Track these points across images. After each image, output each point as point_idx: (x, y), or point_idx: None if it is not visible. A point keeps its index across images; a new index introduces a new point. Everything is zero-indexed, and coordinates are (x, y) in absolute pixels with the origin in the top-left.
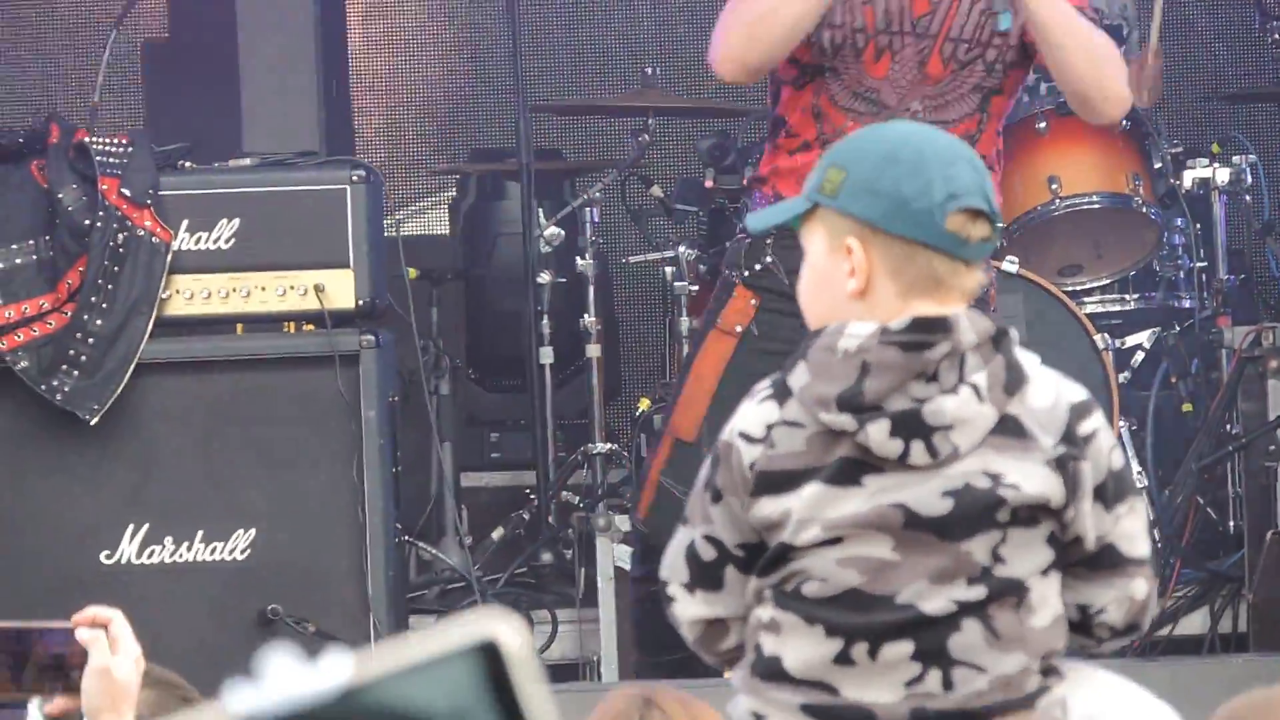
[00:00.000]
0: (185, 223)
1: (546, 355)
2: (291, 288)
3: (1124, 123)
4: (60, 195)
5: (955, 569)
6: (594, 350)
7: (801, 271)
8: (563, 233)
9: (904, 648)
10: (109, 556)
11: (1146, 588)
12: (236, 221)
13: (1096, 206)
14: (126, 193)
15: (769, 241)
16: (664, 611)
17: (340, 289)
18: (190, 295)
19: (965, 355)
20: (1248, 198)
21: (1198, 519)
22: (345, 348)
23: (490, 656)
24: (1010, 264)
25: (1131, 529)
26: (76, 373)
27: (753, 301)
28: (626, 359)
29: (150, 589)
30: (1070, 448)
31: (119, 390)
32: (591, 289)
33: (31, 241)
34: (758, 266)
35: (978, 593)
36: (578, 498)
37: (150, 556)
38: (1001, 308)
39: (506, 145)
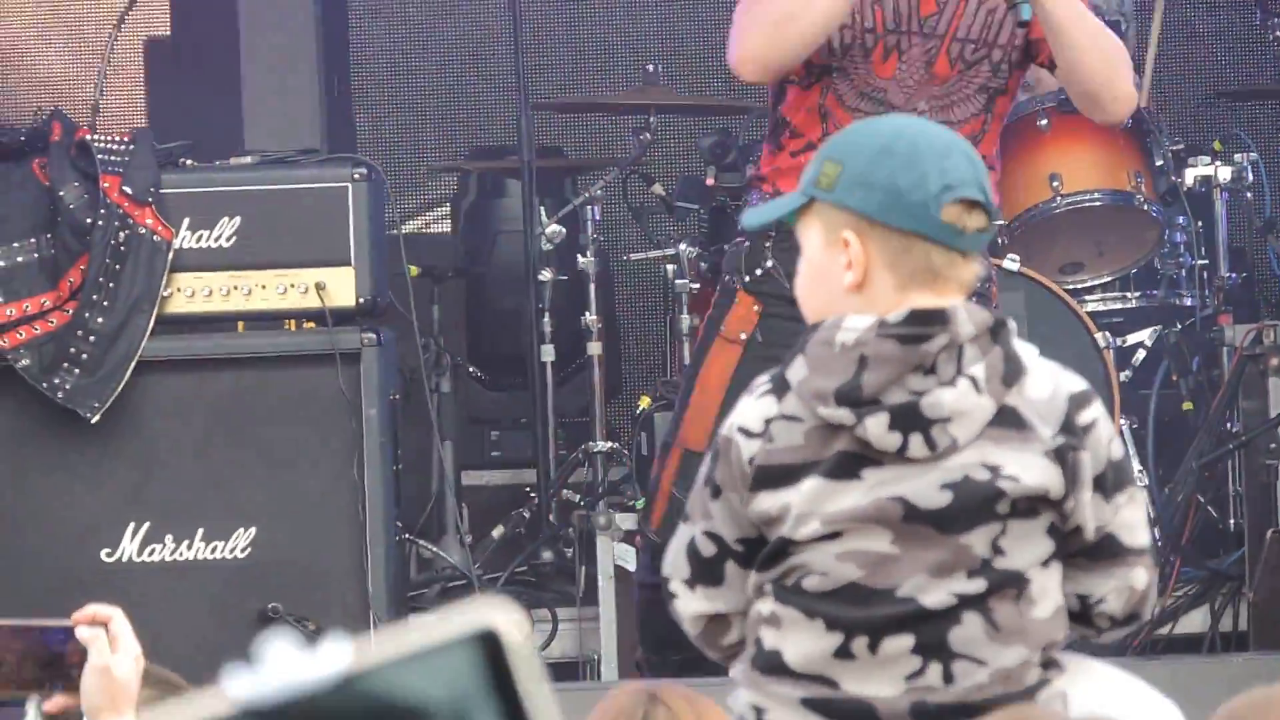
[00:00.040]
0: (186, 221)
1: (547, 353)
2: (292, 285)
3: (1126, 120)
4: (62, 193)
5: (955, 562)
6: (595, 348)
7: (798, 265)
8: (564, 230)
9: (904, 641)
10: (109, 555)
11: (1147, 577)
12: (238, 219)
13: (1098, 204)
14: (128, 190)
15: (768, 245)
16: (670, 615)
17: (341, 287)
18: (191, 293)
19: (963, 347)
20: (1249, 195)
21: (1198, 517)
22: (346, 346)
23: (489, 646)
24: (1011, 262)
25: (1131, 519)
26: (78, 371)
27: (755, 308)
28: (628, 357)
29: (150, 587)
30: (1069, 438)
31: (120, 388)
32: (592, 287)
33: (33, 239)
34: (759, 271)
35: (977, 585)
36: (578, 496)
37: (151, 555)
38: (1003, 305)
39: (508, 143)
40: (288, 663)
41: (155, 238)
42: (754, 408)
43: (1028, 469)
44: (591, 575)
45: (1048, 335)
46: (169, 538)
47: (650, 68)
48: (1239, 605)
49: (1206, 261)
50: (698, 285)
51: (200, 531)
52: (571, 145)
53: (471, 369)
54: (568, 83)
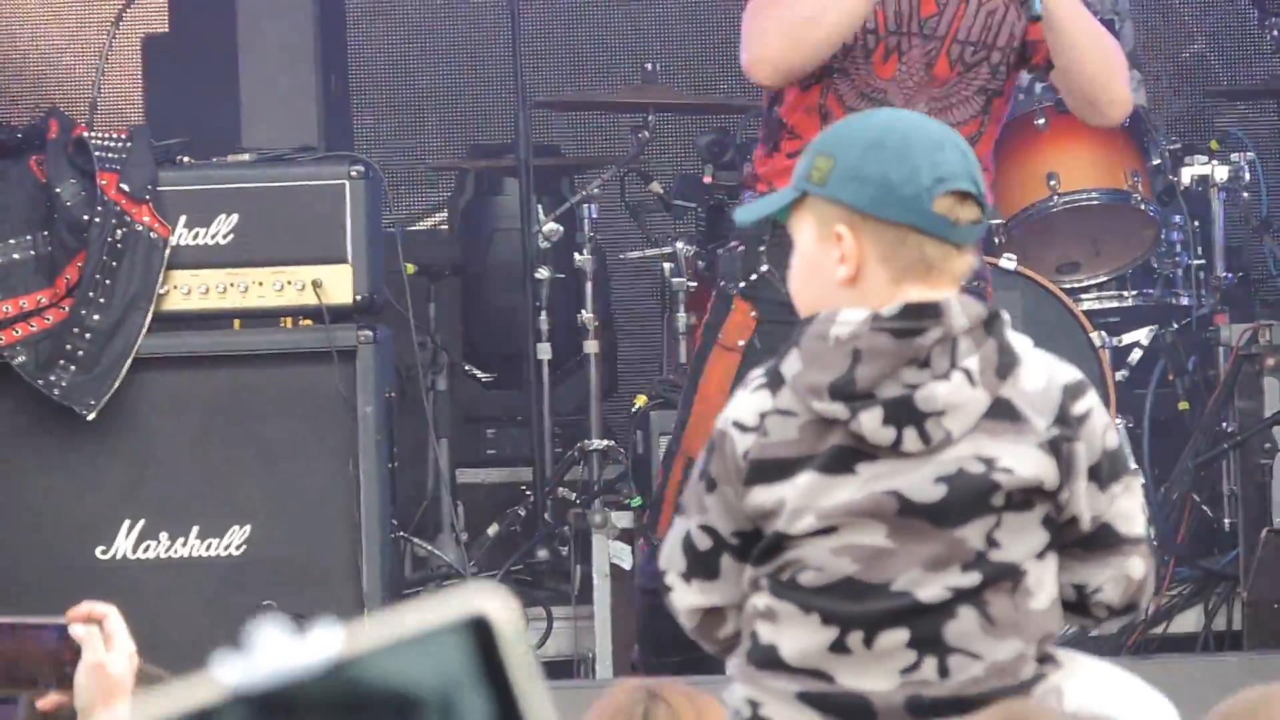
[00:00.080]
0: (184, 218)
1: (544, 351)
2: (289, 283)
3: (1125, 121)
4: (59, 190)
5: (950, 555)
6: (591, 346)
7: (791, 260)
8: (561, 229)
9: (899, 635)
10: (105, 552)
11: (1143, 566)
12: (235, 217)
13: (1095, 203)
14: (125, 188)
15: (762, 250)
16: (671, 620)
17: (338, 284)
18: (188, 290)
19: (957, 340)
20: (1246, 195)
21: (1193, 517)
22: (343, 343)
23: (480, 632)
24: (1008, 261)
25: (1127, 508)
26: (74, 368)
27: (752, 314)
28: (624, 355)
29: (145, 585)
30: (1064, 429)
31: (116, 385)
32: (589, 285)
33: (30, 236)
34: (754, 277)
35: (972, 579)
36: (574, 494)
37: (146, 552)
38: (999, 305)
39: (505, 141)
40: (278, 649)
41: (152, 235)
42: (749, 402)
43: (1022, 461)
44: (587, 574)
45: (1044, 334)
46: (164, 535)
47: (648, 66)
48: (1233, 605)
49: (1203, 261)
50: (695, 284)
51: (195, 529)
52: (569, 143)
53: (468, 367)
54: (566, 81)
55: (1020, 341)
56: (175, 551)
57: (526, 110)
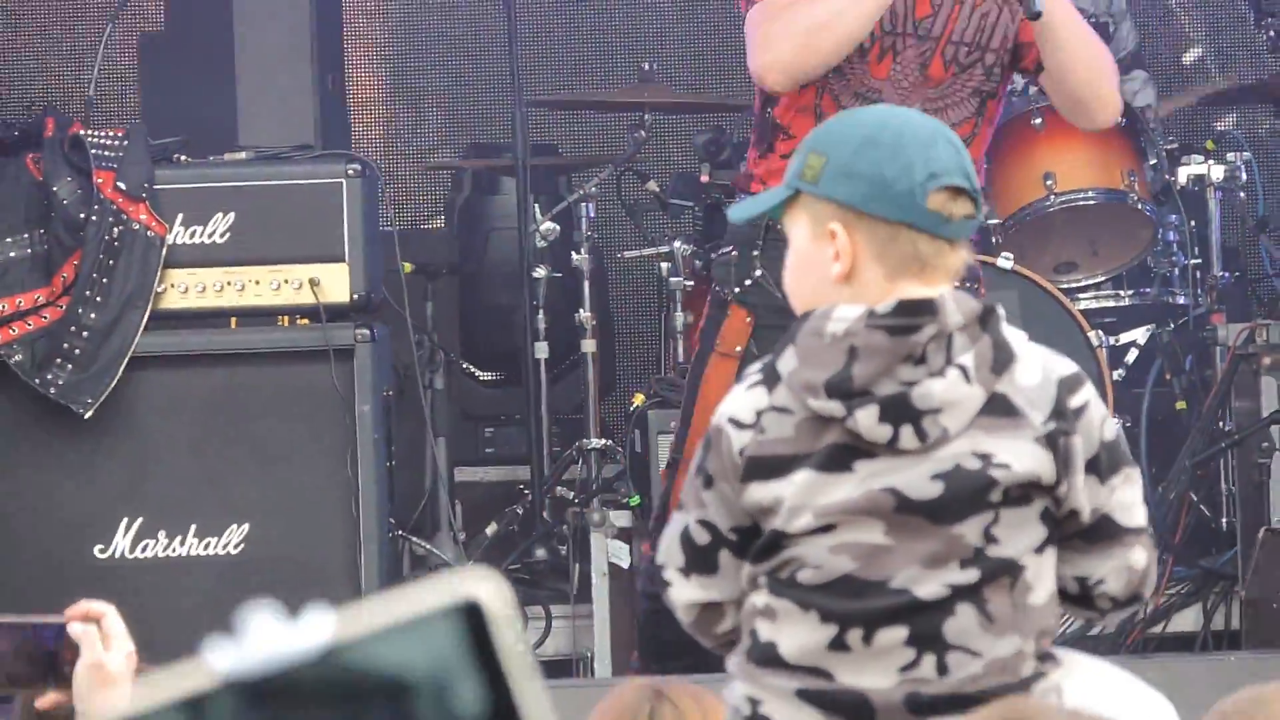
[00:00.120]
0: (180, 216)
1: (541, 350)
2: (286, 281)
3: (1120, 119)
4: (55, 188)
5: (948, 552)
6: (589, 345)
7: (786, 258)
8: (558, 228)
9: (898, 633)
10: (102, 551)
11: (1146, 557)
12: (232, 215)
13: (1091, 203)
14: (122, 186)
15: (755, 255)
16: (673, 628)
17: (335, 283)
18: (185, 289)
19: (952, 336)
20: (1242, 194)
21: (1191, 516)
22: (340, 342)
23: (472, 616)
24: (1005, 260)
25: (1127, 499)
26: (71, 366)
27: (748, 319)
28: (621, 354)
29: (143, 584)
30: (1060, 423)
31: (113, 384)
32: (587, 284)
33: (26, 235)
34: (748, 281)
35: (971, 575)
36: (572, 493)
37: (144, 551)
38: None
39: (502, 140)
40: (270, 635)
41: (149, 233)
42: (745, 398)
43: (1019, 456)
44: (585, 572)
45: (1041, 334)
46: (162, 534)
47: (645, 65)
48: (1231, 604)
49: (1199, 260)
50: (692, 282)
51: (193, 527)
52: (566, 143)
53: (465, 366)
54: (563, 80)
55: (1015, 336)
56: (173, 550)
57: (523, 109)
